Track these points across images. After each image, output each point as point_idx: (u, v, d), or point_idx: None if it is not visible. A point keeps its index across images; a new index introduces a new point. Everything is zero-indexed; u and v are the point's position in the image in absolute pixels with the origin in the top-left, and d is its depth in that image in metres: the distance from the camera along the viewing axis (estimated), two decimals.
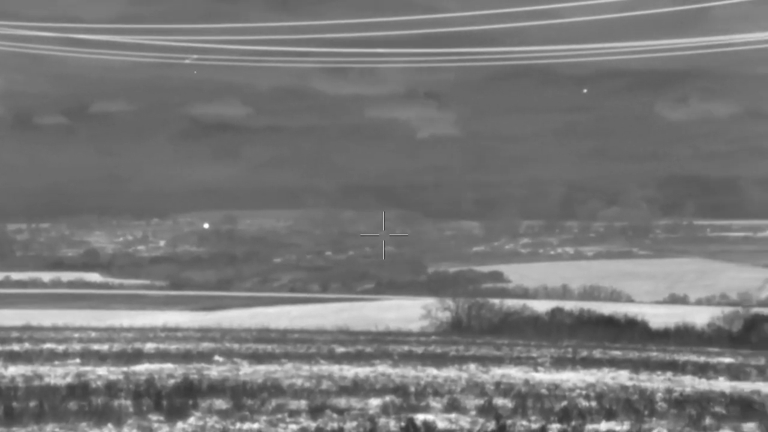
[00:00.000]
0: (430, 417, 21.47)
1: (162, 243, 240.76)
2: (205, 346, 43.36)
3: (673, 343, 61.14)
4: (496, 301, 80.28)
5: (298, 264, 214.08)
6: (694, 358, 44.42)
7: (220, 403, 22.81)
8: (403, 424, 20.33)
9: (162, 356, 36.28)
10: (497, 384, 28.97)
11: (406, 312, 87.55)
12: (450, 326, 74.83)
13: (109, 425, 19.89)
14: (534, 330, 68.98)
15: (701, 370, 36.71)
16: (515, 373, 33.24)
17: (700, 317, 75.47)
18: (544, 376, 32.55)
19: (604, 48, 63.24)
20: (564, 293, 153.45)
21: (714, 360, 43.16)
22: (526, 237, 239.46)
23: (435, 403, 24.03)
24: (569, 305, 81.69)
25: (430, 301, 78.69)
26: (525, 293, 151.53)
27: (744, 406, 24.17)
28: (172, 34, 60.91)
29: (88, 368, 31.10)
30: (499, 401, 24.52)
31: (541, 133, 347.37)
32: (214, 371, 31.03)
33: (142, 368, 31.28)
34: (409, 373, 32.21)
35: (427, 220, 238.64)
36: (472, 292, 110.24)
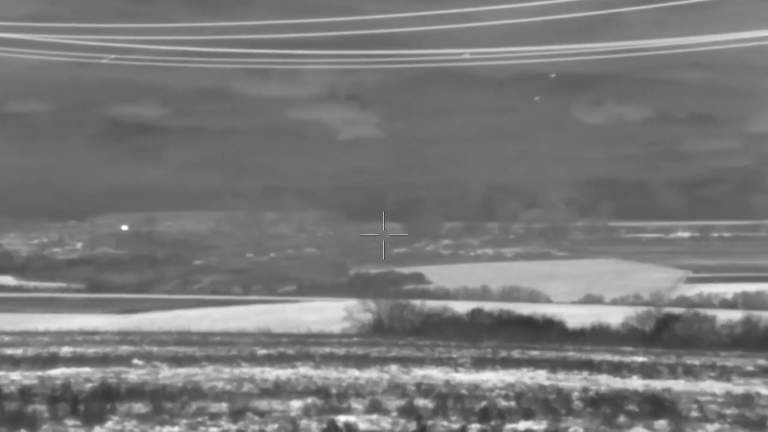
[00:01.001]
0: (351, 418, 21.58)
1: (79, 245, 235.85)
2: (124, 349, 42.74)
3: (589, 343, 62.44)
4: (417, 303, 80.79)
5: (219, 266, 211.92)
6: (609, 357, 45.46)
7: (139, 407, 22.53)
8: (324, 425, 20.39)
9: (79, 360, 35.66)
10: (418, 385, 29.23)
11: (328, 314, 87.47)
12: (372, 328, 75.07)
13: (23, 431, 19.48)
14: (454, 331, 69.68)
15: (616, 369, 37.61)
16: (436, 374, 33.57)
17: (614, 317, 77.13)
18: (464, 377, 32.94)
19: (522, 51, 64.38)
20: (484, 294, 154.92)
21: (628, 359, 44.25)
22: (448, 238, 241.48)
23: (357, 404, 24.14)
24: (489, 306, 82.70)
25: (352, 303, 78.78)
26: (446, 294, 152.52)
27: (656, 404, 24.87)
28: (88, 33, 59.86)
29: (0, 373, 30.38)
30: (420, 402, 24.76)
31: (462, 135, 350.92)
32: (133, 375, 30.61)
33: (58, 372, 30.71)
34: (330, 374, 32.27)
35: (348, 222, 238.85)
36: (394, 293, 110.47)
